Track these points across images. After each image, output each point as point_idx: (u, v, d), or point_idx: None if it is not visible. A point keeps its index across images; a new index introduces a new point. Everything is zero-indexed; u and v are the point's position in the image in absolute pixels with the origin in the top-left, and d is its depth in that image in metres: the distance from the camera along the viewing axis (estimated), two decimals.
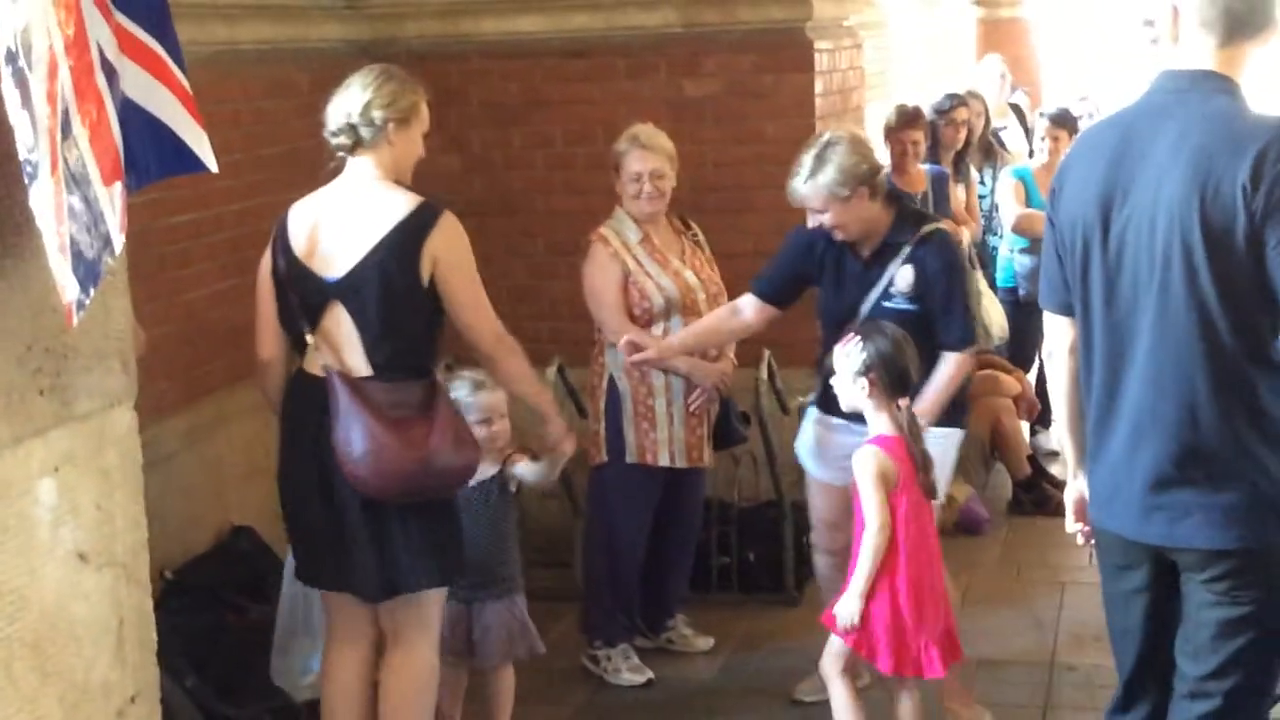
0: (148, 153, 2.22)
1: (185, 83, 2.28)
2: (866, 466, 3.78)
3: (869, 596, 3.77)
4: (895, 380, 3.79)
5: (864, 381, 3.80)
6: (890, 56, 8.67)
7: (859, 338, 3.84)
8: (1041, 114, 7.10)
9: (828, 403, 4.27)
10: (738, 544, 5.43)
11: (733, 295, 5.16)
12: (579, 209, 5.51)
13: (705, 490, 5.12)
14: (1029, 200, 6.72)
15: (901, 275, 4.23)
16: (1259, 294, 2.71)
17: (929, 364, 4.14)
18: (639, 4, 5.87)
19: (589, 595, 4.95)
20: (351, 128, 3.71)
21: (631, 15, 5.89)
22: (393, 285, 3.62)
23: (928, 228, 4.30)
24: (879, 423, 3.83)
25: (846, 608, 3.79)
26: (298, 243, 3.73)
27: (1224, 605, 2.85)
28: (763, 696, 4.74)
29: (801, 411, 4.74)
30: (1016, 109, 8.79)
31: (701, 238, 5.02)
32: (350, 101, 3.71)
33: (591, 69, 5.95)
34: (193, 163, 2.33)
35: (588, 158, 5.79)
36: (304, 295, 3.70)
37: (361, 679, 3.85)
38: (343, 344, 3.67)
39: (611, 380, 4.77)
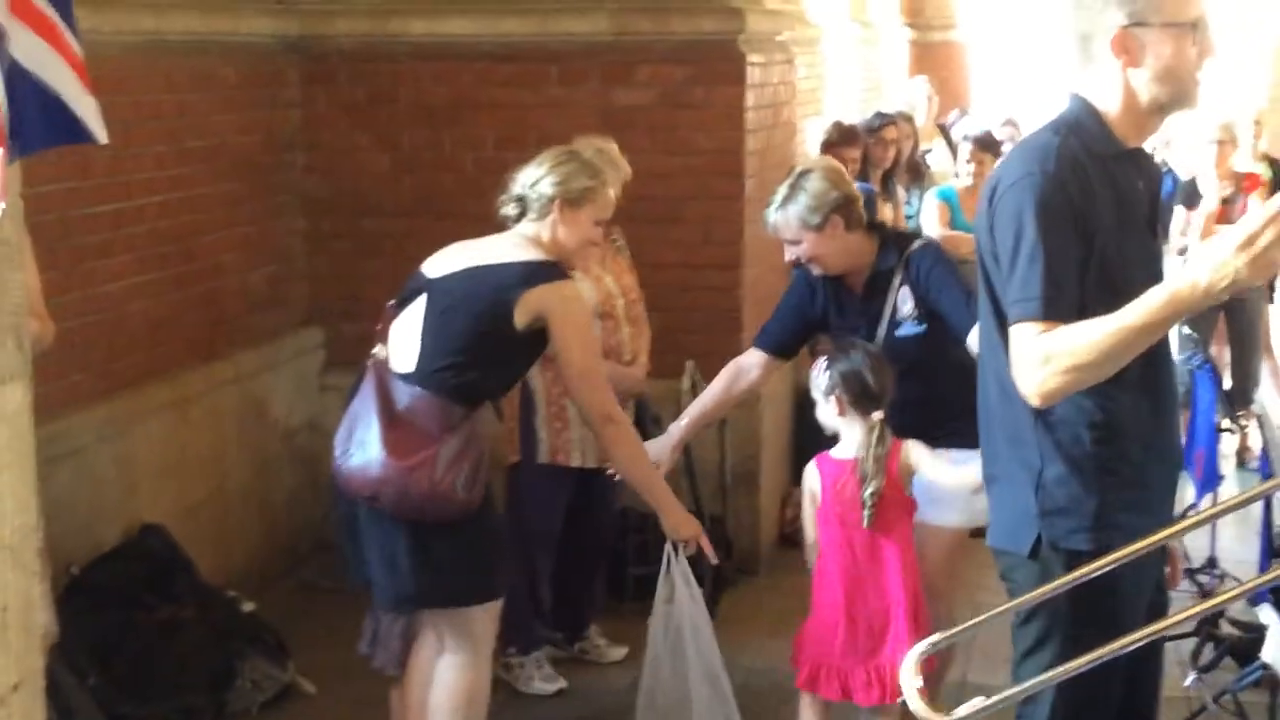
0: (35, 120, 2.16)
1: (79, 51, 2.22)
2: (805, 481, 3.91)
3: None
4: (862, 396, 3.79)
5: (833, 400, 3.82)
6: (823, 74, 8.72)
7: (825, 360, 3.87)
8: (966, 137, 7.17)
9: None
10: (655, 554, 5.41)
11: (656, 305, 5.17)
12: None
13: (621, 498, 5.11)
14: (953, 222, 6.78)
15: (903, 300, 4.11)
16: None
17: (952, 373, 3.91)
18: (571, 10, 5.86)
19: (504, 600, 4.91)
20: (520, 198, 3.84)
21: (563, 21, 5.88)
22: (478, 303, 3.61)
23: (911, 246, 4.19)
24: (849, 441, 3.84)
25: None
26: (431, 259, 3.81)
27: None
28: None
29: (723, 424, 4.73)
30: (944, 130, 8.87)
31: (622, 243, 5.02)
32: (526, 174, 3.87)
33: (523, 74, 5.93)
34: (82, 134, 2.28)
35: (519, 162, 5.73)
36: (406, 290, 3.77)
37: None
38: (405, 338, 3.66)
39: (525, 380, 4.74)
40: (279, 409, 5.90)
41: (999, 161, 2.75)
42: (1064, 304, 2.60)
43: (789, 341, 4.38)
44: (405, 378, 3.61)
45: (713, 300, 5.81)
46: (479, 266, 3.67)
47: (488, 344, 3.62)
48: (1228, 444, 7.12)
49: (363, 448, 3.54)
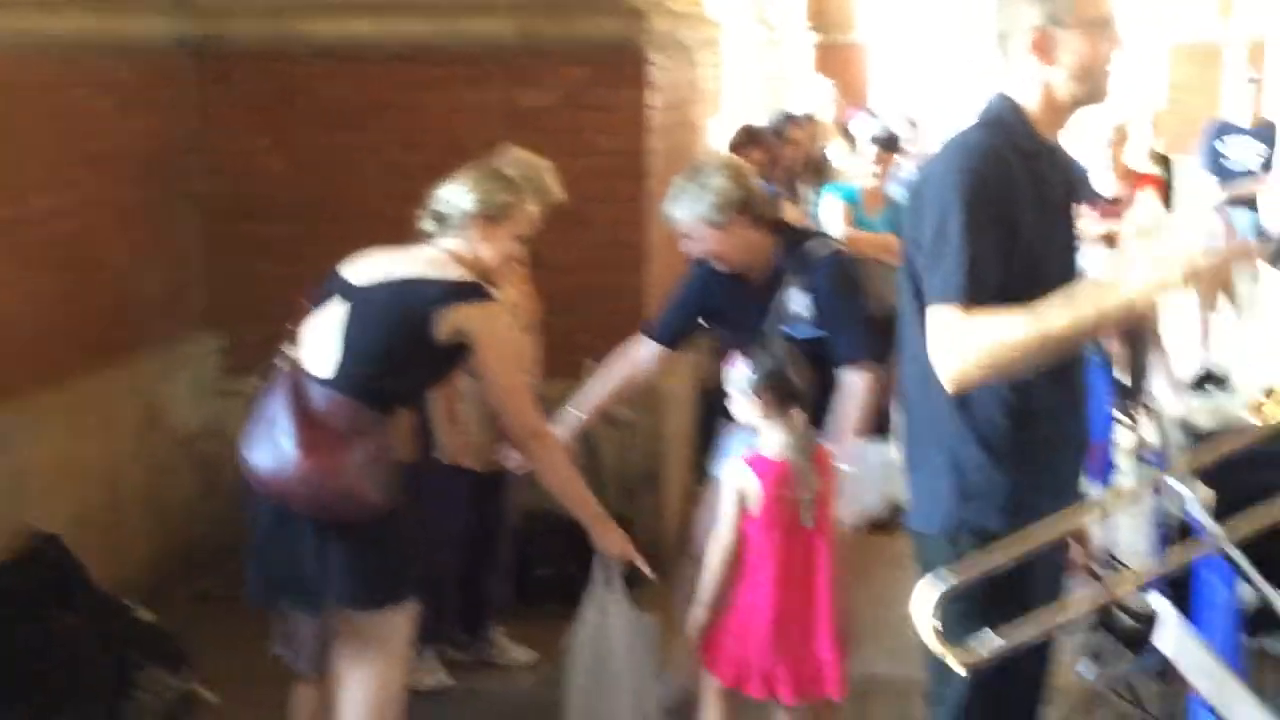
0: None
1: None
2: (729, 480, 3.82)
3: (720, 609, 3.82)
4: (785, 394, 3.78)
5: (756, 398, 3.81)
6: (727, 76, 8.76)
7: (747, 356, 3.85)
8: (873, 139, 7.23)
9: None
10: (561, 556, 5.41)
11: (559, 307, 5.16)
12: (412, 216, 5.43)
13: (523, 497, 5.08)
14: (856, 220, 6.84)
15: (795, 301, 4.12)
16: None
17: (830, 385, 4.05)
18: (473, 11, 5.84)
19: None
20: (439, 214, 3.81)
21: (465, 23, 5.85)
22: (399, 316, 3.59)
23: (815, 253, 4.18)
24: (771, 438, 3.83)
25: (692, 614, 3.85)
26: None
27: None
28: None
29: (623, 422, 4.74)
30: (846, 131, 8.94)
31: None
32: (447, 190, 3.84)
33: (426, 76, 5.90)
34: None
35: (422, 165, 5.69)
36: (323, 291, 3.71)
37: None
38: (321, 342, 3.61)
39: None
40: (176, 415, 5.81)
41: (923, 159, 2.81)
42: (984, 290, 2.66)
43: (681, 332, 4.40)
44: (321, 381, 3.59)
45: (616, 303, 5.80)
46: (403, 280, 3.65)
47: (406, 354, 3.61)
48: (1125, 438, 7.26)
49: (276, 448, 3.51)
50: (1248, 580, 3.40)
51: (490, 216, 3.79)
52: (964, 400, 2.81)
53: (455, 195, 3.81)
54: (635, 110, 5.81)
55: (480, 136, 5.45)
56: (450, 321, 3.58)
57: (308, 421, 3.51)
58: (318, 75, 5.96)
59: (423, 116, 5.83)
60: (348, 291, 3.68)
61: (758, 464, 3.80)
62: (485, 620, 5.08)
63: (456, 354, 3.66)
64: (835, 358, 4.10)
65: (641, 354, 4.42)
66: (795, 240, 4.25)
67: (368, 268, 3.73)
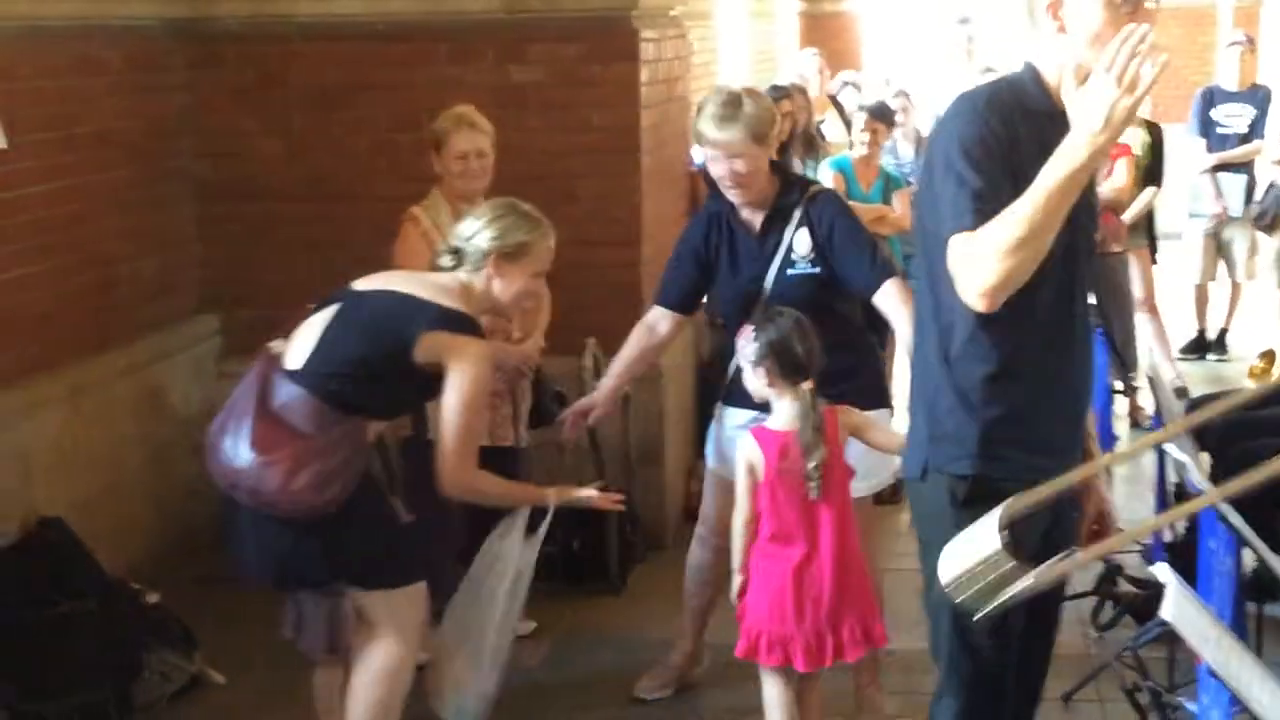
0: None
1: None
2: (739, 455, 3.85)
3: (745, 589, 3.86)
4: (790, 366, 3.78)
5: (761, 371, 3.82)
6: (715, 48, 8.74)
7: (753, 328, 3.85)
8: (861, 107, 7.23)
9: (729, 394, 4.31)
10: (562, 533, 5.42)
11: (554, 283, 5.11)
12: (403, 195, 5.43)
13: (527, 474, 5.09)
14: (848, 191, 6.83)
15: (799, 239, 4.17)
16: None
17: (838, 325, 4.08)
18: None
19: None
20: (456, 250, 3.79)
21: (454, 0, 5.84)
22: (383, 326, 3.60)
23: (814, 188, 4.28)
24: (780, 411, 3.83)
25: (732, 586, 3.90)
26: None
27: None
28: (598, 691, 4.71)
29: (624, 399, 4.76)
30: (836, 102, 8.93)
31: None
32: (464, 226, 3.82)
33: (414, 53, 5.88)
34: None
35: (412, 143, 5.70)
36: (329, 298, 3.74)
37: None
38: (305, 338, 3.64)
39: None
40: (175, 398, 5.81)
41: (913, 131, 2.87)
42: (990, 218, 2.67)
43: (689, 291, 4.44)
44: (290, 374, 3.60)
45: (611, 277, 5.81)
46: (400, 294, 3.66)
47: (379, 366, 3.61)
48: (1121, 406, 7.29)
49: (234, 438, 3.54)
50: (1243, 539, 3.44)
51: (507, 254, 3.78)
52: (947, 351, 2.88)
53: (472, 232, 3.79)
54: (626, 85, 5.80)
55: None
56: (431, 346, 3.58)
57: (264, 416, 3.53)
58: (307, 56, 5.95)
59: (413, 95, 5.81)
60: (346, 294, 3.72)
61: (761, 436, 3.82)
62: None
63: (430, 382, 3.65)
64: (855, 287, 4.13)
65: (653, 319, 4.47)
66: (794, 180, 4.35)
67: (376, 280, 3.77)
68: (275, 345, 3.69)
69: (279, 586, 3.80)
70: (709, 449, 4.51)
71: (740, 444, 3.87)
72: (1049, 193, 2.58)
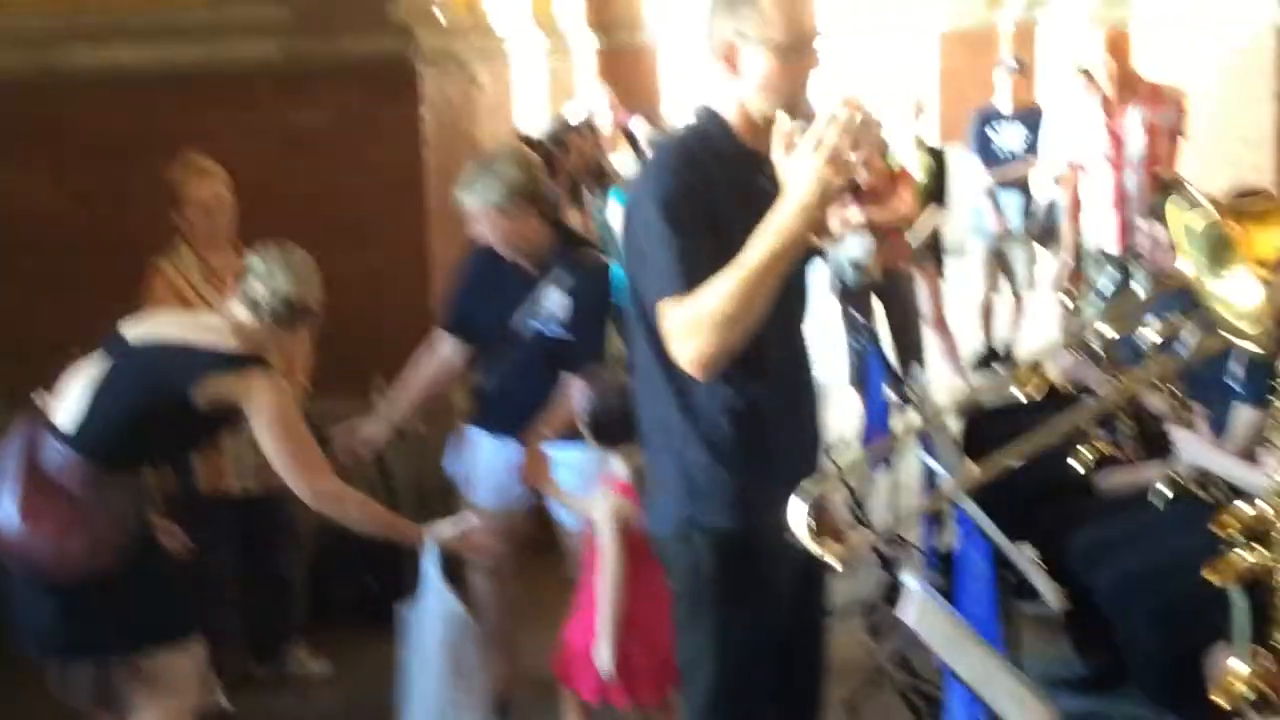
0: None
1: None
2: (601, 507, 3.88)
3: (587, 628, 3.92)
4: (619, 428, 3.79)
5: (590, 429, 3.91)
6: (509, 84, 8.80)
7: (585, 389, 3.97)
8: (650, 141, 7.38)
9: (483, 419, 4.44)
10: (358, 571, 5.41)
11: (345, 324, 5.15)
12: None
13: (313, 514, 5.06)
14: None
15: (554, 300, 4.28)
16: None
17: (554, 385, 4.25)
18: (239, 34, 5.81)
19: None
20: (255, 303, 3.78)
21: (231, 46, 5.83)
22: (156, 379, 3.57)
23: (589, 258, 4.39)
24: (616, 465, 3.92)
25: (600, 647, 3.87)
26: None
27: None
28: None
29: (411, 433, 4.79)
30: (630, 135, 9.07)
31: None
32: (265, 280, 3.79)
33: (196, 100, 5.85)
34: None
35: None
36: (99, 344, 3.66)
37: None
38: (73, 394, 3.57)
39: None
40: None
41: None
42: (698, 279, 2.70)
43: (471, 319, 4.48)
44: (63, 437, 3.54)
45: (403, 317, 5.83)
46: (171, 344, 3.63)
47: (158, 419, 3.59)
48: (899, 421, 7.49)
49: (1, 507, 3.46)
50: (983, 532, 3.61)
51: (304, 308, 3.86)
52: (688, 405, 2.91)
53: (265, 283, 3.77)
54: (408, 126, 5.85)
55: (257, 160, 5.45)
56: (213, 391, 3.57)
57: (34, 482, 3.47)
58: (85, 105, 5.88)
59: (195, 143, 5.74)
60: (115, 347, 3.66)
61: (623, 488, 3.88)
62: (279, 641, 5.07)
63: (219, 422, 3.66)
64: (571, 361, 4.25)
65: (441, 350, 4.54)
66: (570, 243, 4.44)
67: (148, 327, 3.72)
68: (39, 399, 3.63)
69: (59, 658, 3.70)
70: (466, 474, 4.59)
71: (601, 496, 3.91)
72: (764, 262, 2.61)
